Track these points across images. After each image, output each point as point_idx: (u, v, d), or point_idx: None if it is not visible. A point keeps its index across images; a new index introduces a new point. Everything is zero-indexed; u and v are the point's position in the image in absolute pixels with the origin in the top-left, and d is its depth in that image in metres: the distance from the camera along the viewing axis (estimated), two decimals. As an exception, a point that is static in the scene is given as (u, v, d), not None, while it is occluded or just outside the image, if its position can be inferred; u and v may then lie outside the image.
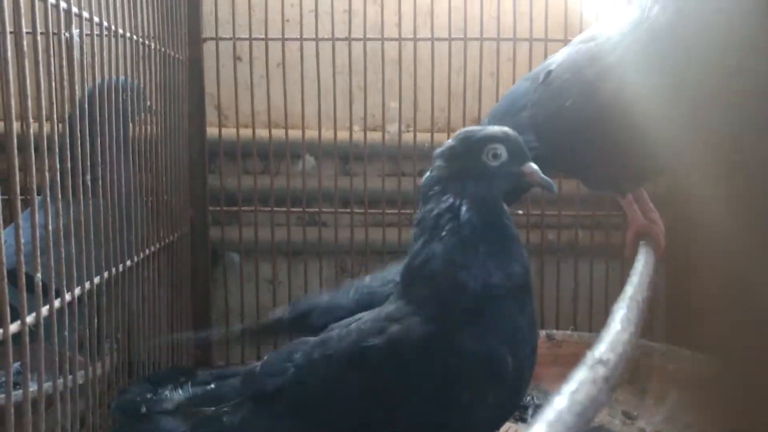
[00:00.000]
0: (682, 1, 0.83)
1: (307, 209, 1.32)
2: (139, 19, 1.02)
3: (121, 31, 0.94)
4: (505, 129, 0.72)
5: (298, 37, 1.26)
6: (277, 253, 1.34)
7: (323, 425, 0.71)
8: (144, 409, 0.79)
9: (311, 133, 1.31)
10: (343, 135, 1.32)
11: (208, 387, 0.80)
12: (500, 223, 0.70)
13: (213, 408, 0.76)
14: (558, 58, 0.93)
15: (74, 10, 0.82)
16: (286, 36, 1.27)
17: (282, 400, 0.72)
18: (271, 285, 1.35)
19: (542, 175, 0.71)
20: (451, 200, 0.69)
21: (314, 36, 1.26)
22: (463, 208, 0.69)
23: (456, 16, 1.27)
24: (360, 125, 1.33)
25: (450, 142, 0.73)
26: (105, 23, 0.89)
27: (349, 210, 1.33)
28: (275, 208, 1.31)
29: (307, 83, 1.28)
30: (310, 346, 0.74)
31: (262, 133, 1.31)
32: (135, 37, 1.00)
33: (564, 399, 0.30)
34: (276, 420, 0.72)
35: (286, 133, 1.30)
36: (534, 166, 0.71)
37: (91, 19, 0.85)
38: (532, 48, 1.27)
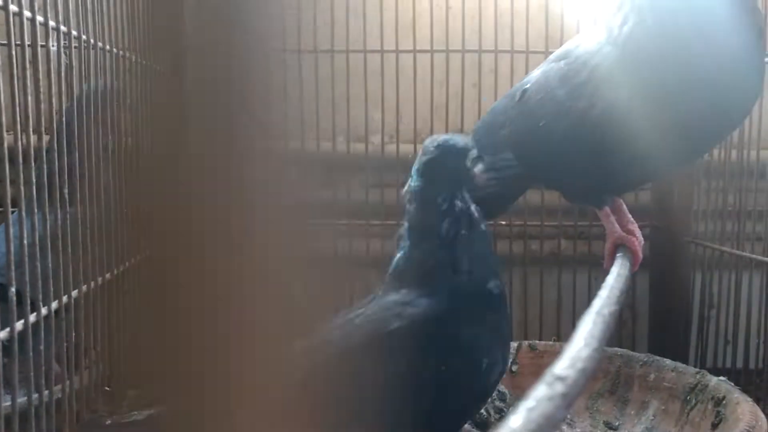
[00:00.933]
0: (646, 14, 0.84)
1: (290, 220, 1.32)
2: (120, 32, 1.02)
3: (100, 44, 0.94)
4: (462, 136, 0.83)
5: (281, 49, 1.26)
6: (260, 265, 1.34)
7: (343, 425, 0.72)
8: (109, 422, 0.78)
9: (294, 144, 1.31)
10: (326, 146, 1.32)
11: None
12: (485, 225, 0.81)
13: None
14: (533, 76, 0.94)
15: (51, 23, 0.82)
16: (268, 48, 1.27)
17: None
18: (254, 296, 1.34)
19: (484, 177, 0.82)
20: (458, 205, 0.78)
21: (297, 48, 1.26)
22: (470, 215, 0.78)
23: (438, 29, 1.28)
24: (343, 136, 1.34)
25: (432, 153, 0.79)
26: (84, 37, 0.89)
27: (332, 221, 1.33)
28: (258, 220, 1.31)
29: (290, 94, 1.28)
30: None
31: (245, 144, 1.31)
32: (115, 50, 1.00)
33: (519, 417, 0.31)
34: None
35: (269, 145, 1.30)
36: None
37: (69, 33, 0.85)
38: (513, 60, 1.28)
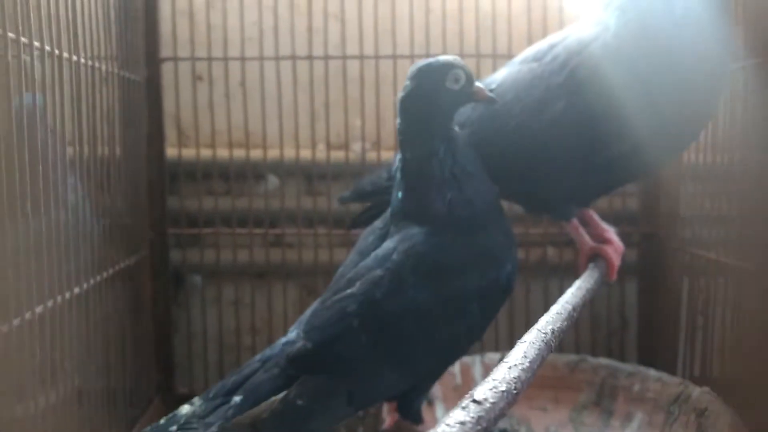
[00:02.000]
0: (642, 15, 0.82)
1: (270, 230, 1.30)
2: (93, 43, 1.01)
3: (66, 55, 0.92)
4: (454, 56, 0.82)
5: (258, 56, 1.25)
6: (241, 275, 1.32)
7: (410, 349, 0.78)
8: None
9: (274, 153, 1.30)
10: (306, 154, 1.30)
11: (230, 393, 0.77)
12: (472, 154, 0.83)
13: (268, 403, 0.75)
14: (498, 77, 0.92)
15: (10, 35, 0.80)
16: (246, 55, 1.26)
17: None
18: (235, 307, 1.33)
19: (487, 92, 0.81)
20: (438, 144, 0.79)
21: (275, 55, 1.25)
22: (453, 153, 0.79)
23: (418, 34, 1.26)
24: (323, 144, 1.32)
25: (409, 83, 0.80)
26: (47, 48, 0.87)
27: (312, 231, 1.31)
28: (238, 230, 1.29)
29: (269, 102, 1.27)
30: (360, 293, 0.77)
31: (224, 153, 1.29)
32: (87, 61, 0.98)
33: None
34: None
35: (248, 153, 1.29)
36: (480, 84, 0.81)
37: (30, 44, 0.84)
38: (495, 64, 1.25)
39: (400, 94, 0.81)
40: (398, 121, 0.81)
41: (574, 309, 0.56)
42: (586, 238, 0.90)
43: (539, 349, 0.42)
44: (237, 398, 0.75)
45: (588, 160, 0.84)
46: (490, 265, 0.79)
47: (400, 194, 0.82)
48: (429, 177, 0.79)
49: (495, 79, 0.92)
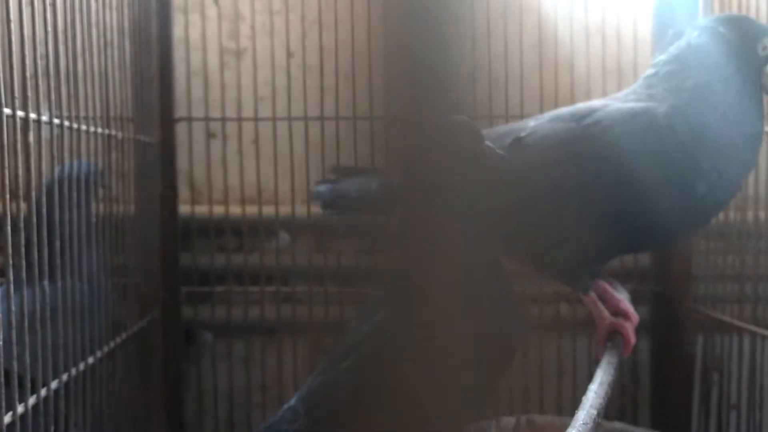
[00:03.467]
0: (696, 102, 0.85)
1: (281, 287, 1.31)
2: (109, 113, 1.02)
3: (84, 127, 0.93)
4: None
5: (271, 116, 1.26)
6: (251, 332, 1.32)
7: None
8: None
9: (285, 209, 1.30)
10: (317, 210, 1.30)
11: None
12: None
13: None
14: (527, 126, 0.92)
15: (32, 116, 0.81)
16: (259, 115, 1.27)
17: None
18: (245, 364, 1.33)
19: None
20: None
21: (287, 115, 1.26)
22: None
23: (430, 93, 1.27)
24: (335, 201, 1.32)
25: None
26: (66, 123, 0.88)
27: (323, 288, 1.31)
28: (249, 287, 1.30)
29: (281, 160, 1.28)
30: (352, 367, 0.79)
31: (236, 209, 1.30)
32: (103, 130, 0.99)
33: None
34: None
35: (260, 210, 1.29)
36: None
37: (50, 122, 0.85)
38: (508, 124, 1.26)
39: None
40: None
41: (598, 414, 0.56)
42: (605, 313, 0.89)
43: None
44: None
45: (615, 223, 0.86)
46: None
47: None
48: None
49: (523, 127, 0.92)
